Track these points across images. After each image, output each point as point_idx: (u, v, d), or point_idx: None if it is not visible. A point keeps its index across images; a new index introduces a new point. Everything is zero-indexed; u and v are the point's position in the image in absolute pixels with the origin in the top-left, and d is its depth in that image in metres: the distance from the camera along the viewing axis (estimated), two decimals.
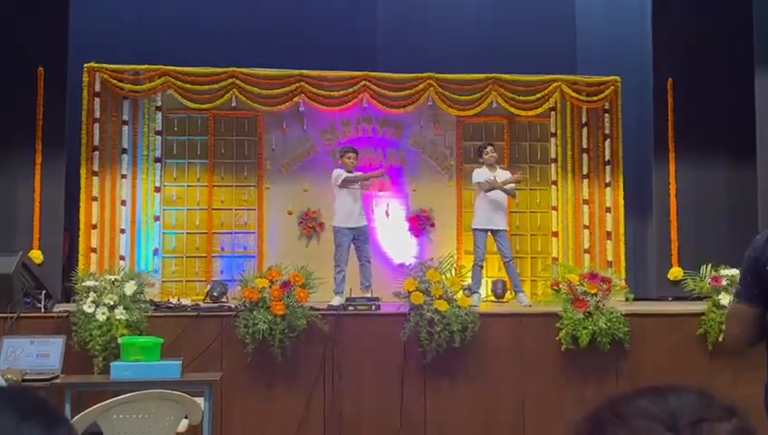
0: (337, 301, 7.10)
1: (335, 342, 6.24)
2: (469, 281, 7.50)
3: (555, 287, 6.58)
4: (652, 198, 9.69)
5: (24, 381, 4.93)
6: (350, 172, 7.93)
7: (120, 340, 5.48)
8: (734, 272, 6.50)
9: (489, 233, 8.04)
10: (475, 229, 8.12)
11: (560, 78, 9.94)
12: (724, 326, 6.23)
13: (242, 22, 10.01)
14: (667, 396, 1.01)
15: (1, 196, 8.78)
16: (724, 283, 6.44)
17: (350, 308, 6.61)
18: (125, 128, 9.55)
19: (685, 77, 9.47)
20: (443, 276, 6.31)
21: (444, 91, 9.80)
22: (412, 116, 9.98)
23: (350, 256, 7.76)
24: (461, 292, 6.42)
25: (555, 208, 10.09)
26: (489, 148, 8.26)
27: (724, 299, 6.34)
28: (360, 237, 7.79)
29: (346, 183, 7.76)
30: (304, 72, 9.63)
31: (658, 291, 9.35)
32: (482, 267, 8.06)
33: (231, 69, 9.52)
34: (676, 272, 9.10)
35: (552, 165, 10.14)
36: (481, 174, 8.10)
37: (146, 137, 9.65)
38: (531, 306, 7.55)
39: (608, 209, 10.04)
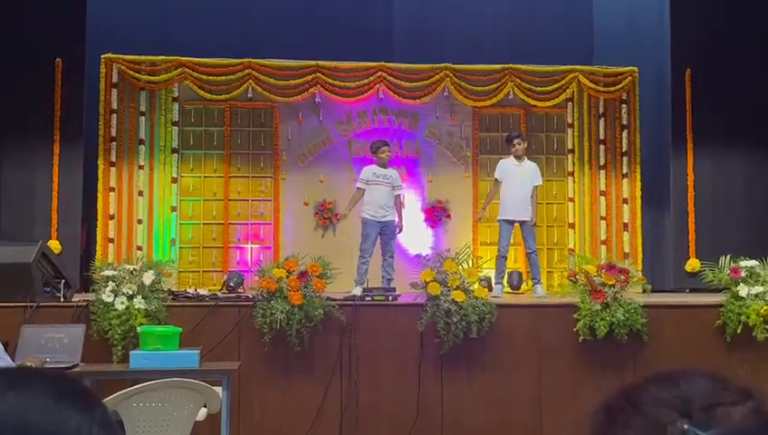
0: (358, 291, 7.13)
1: (352, 332, 6.25)
2: (486, 272, 7.50)
3: (572, 278, 6.56)
4: (670, 190, 9.64)
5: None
6: (384, 166, 8.03)
7: (138, 329, 5.52)
8: (754, 263, 6.47)
9: (515, 224, 8.06)
10: (500, 220, 8.15)
11: (577, 68, 9.90)
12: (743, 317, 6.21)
13: (258, 13, 10.02)
14: (679, 381, 1.00)
15: (19, 187, 8.84)
16: (743, 274, 6.40)
17: (367, 299, 6.61)
18: (142, 119, 9.58)
19: (703, 67, 9.41)
20: (460, 267, 6.31)
21: (460, 82, 9.77)
22: (428, 107, 9.96)
23: (375, 249, 7.80)
24: (478, 282, 6.41)
25: (572, 200, 10.05)
26: (517, 139, 8.26)
27: (743, 290, 6.30)
28: (387, 232, 7.83)
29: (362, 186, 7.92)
30: (320, 62, 9.64)
31: (676, 282, 9.32)
32: (506, 258, 8.10)
33: (247, 60, 9.53)
34: (693, 263, 9.06)
35: (569, 156, 10.10)
36: (502, 168, 8.16)
37: (162, 128, 9.68)
38: (545, 297, 7.56)
39: (625, 200, 9.99)
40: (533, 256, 8.10)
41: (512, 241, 8.21)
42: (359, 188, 7.98)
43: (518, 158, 8.19)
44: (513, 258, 9.37)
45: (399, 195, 8.12)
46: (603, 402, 1.04)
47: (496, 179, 8.27)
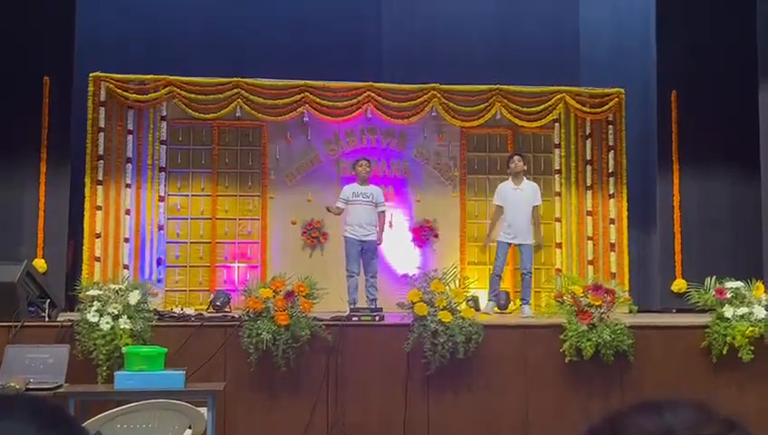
0: (351, 308, 7.20)
1: (339, 352, 6.23)
2: (473, 292, 7.52)
3: (559, 299, 6.57)
4: (656, 210, 9.69)
5: (27, 390, 4.93)
6: (363, 181, 8.07)
7: (123, 349, 5.48)
8: (739, 284, 6.49)
9: (511, 246, 8.13)
10: (499, 241, 8.20)
11: (564, 89, 9.97)
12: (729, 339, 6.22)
13: (247, 32, 10.05)
14: (664, 411, 1.00)
15: (6, 204, 8.80)
16: (728, 295, 6.42)
17: (354, 319, 6.60)
18: (130, 137, 9.57)
19: (688, 89, 9.49)
20: (447, 287, 6.30)
21: (448, 102, 9.82)
22: (416, 127, 10.00)
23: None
24: (465, 303, 6.41)
25: (559, 220, 10.09)
26: (516, 157, 8.32)
27: (729, 312, 6.32)
28: (369, 252, 7.86)
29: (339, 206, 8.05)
30: (309, 82, 9.67)
31: (662, 303, 9.35)
32: (500, 278, 8.17)
33: (235, 79, 9.55)
34: (679, 284, 9.10)
35: (556, 176, 10.15)
36: (501, 193, 8.22)
37: (150, 146, 9.67)
38: (531, 317, 7.59)
39: (611, 221, 10.04)
40: (528, 276, 8.14)
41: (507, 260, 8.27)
42: (337, 206, 8.04)
43: (516, 178, 8.20)
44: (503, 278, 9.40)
45: (383, 211, 8.15)
46: (588, 428, 1.04)
47: (498, 206, 8.26)
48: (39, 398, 1.03)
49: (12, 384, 4.70)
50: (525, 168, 8.36)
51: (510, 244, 8.10)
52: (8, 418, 0.97)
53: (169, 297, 9.35)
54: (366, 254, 7.87)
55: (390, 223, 9.94)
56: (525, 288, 8.16)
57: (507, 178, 8.33)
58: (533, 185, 8.38)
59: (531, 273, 8.20)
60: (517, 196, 8.15)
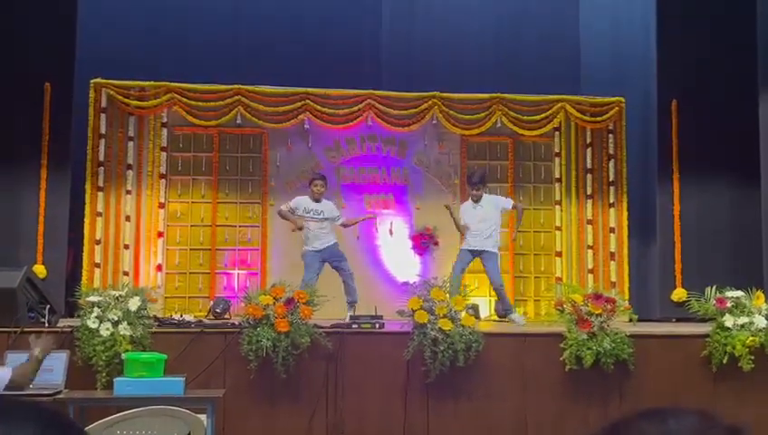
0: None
1: (338, 359, 6.22)
2: (472, 301, 7.53)
3: (559, 307, 6.56)
4: (656, 219, 9.68)
5: (27, 395, 4.92)
6: (317, 201, 8.25)
7: (123, 355, 5.47)
8: (740, 293, 6.49)
9: (475, 257, 8.28)
10: (462, 248, 8.37)
11: (564, 98, 9.99)
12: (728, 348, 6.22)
13: (247, 39, 10.07)
14: (668, 418, 1.00)
15: (6, 210, 8.79)
16: (728, 304, 6.42)
17: (354, 326, 6.59)
18: (130, 144, 9.59)
19: (689, 98, 9.49)
20: (447, 295, 6.30)
21: (448, 110, 9.83)
22: (416, 135, 10.01)
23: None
24: (465, 311, 6.40)
25: (559, 228, 10.09)
26: (479, 184, 8.45)
27: (729, 321, 6.31)
28: (334, 258, 7.95)
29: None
30: (309, 89, 9.68)
31: (662, 311, 9.33)
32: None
33: (236, 86, 9.57)
34: (679, 293, 9.09)
35: (556, 185, 10.16)
36: (463, 213, 8.45)
37: (151, 153, 9.68)
38: (525, 325, 7.63)
39: (611, 230, 10.04)
40: (500, 289, 8.22)
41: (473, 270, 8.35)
42: (281, 208, 8.27)
43: (476, 199, 8.40)
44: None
45: (340, 223, 8.37)
46: None
47: (463, 225, 8.38)
48: (41, 402, 1.03)
49: (36, 351, 4.73)
50: (484, 193, 8.47)
51: (471, 252, 8.21)
52: (11, 422, 0.97)
53: (169, 304, 9.34)
54: (332, 261, 8.02)
55: (390, 230, 9.96)
56: (503, 300, 8.25)
57: (475, 195, 8.42)
58: (493, 197, 8.58)
59: (502, 285, 8.33)
60: (478, 215, 8.33)
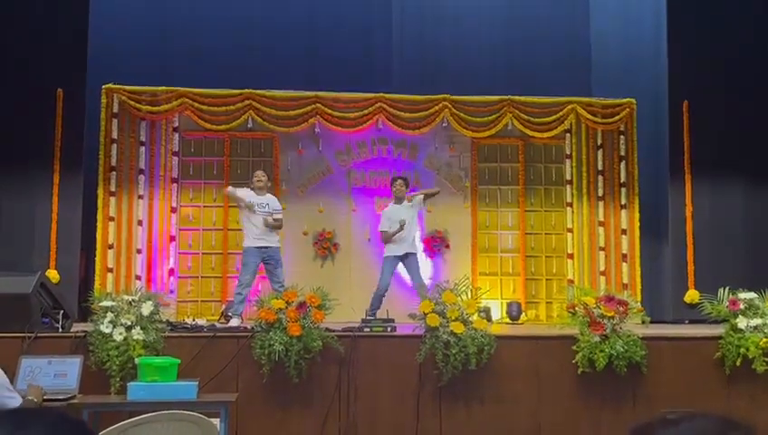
0: (234, 322, 7.20)
1: (350, 363, 6.22)
2: (484, 303, 7.50)
3: (571, 310, 6.54)
4: (668, 221, 9.66)
5: (43, 401, 4.94)
6: (400, 198, 8.34)
7: (136, 360, 5.49)
8: (753, 295, 6.45)
9: (398, 260, 8.31)
10: (386, 256, 8.38)
11: (575, 100, 9.97)
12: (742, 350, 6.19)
13: (258, 44, 10.10)
14: (681, 424, 1.00)
15: (19, 215, 8.85)
16: (741, 306, 6.39)
17: (366, 330, 6.59)
18: (142, 149, 9.63)
19: (700, 99, 9.47)
20: (459, 298, 6.29)
21: (459, 113, 9.83)
22: (427, 137, 10.01)
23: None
24: (477, 314, 6.39)
25: (570, 230, 10.07)
26: (399, 181, 8.50)
27: (742, 323, 6.28)
28: (272, 261, 7.78)
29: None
30: (320, 93, 9.70)
31: (675, 313, 9.31)
32: (384, 297, 8.16)
33: (247, 91, 9.60)
34: (692, 295, 9.06)
35: (568, 187, 10.14)
36: (387, 217, 8.41)
37: (163, 158, 9.72)
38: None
39: (623, 231, 10.01)
40: (423, 288, 7.96)
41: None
42: (230, 190, 8.01)
43: (398, 201, 8.43)
44: (511, 288, 9.42)
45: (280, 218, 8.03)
46: None
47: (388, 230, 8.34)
48: (61, 412, 1.05)
49: (30, 398, 4.70)
50: (404, 191, 8.52)
51: (397, 257, 8.26)
52: (31, 432, 0.98)
53: (181, 308, 9.37)
54: (269, 263, 7.78)
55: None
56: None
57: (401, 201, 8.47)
58: (413, 197, 8.59)
59: (423, 284, 8.20)
60: (401, 214, 8.31)
